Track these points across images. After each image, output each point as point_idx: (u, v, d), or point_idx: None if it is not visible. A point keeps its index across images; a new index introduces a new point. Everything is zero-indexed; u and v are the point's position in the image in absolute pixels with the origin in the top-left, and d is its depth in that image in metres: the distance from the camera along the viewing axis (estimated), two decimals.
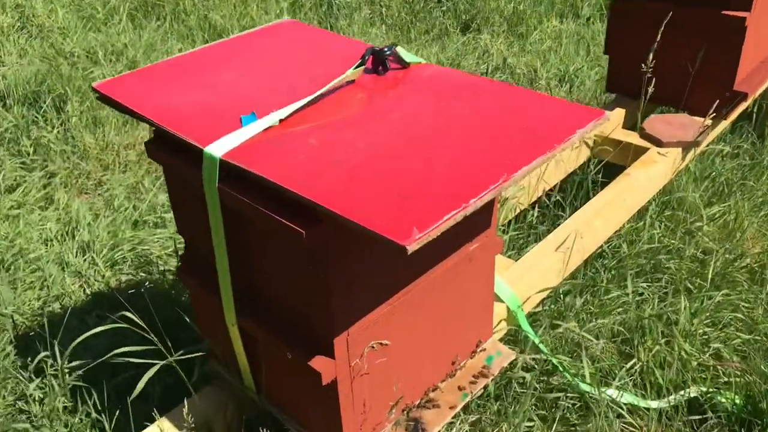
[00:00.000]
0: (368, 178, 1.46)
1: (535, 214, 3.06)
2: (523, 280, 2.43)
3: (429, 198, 1.40)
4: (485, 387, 2.19)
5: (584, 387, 2.35)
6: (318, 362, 1.67)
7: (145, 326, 2.05)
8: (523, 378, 2.38)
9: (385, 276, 1.70)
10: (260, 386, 2.01)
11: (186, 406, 2.01)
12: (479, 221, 1.91)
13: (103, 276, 3.21)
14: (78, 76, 4.58)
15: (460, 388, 2.07)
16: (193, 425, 1.87)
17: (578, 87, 4.61)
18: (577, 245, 2.56)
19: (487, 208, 1.91)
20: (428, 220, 1.32)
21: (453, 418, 2.10)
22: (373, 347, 1.76)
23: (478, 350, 2.15)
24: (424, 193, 1.41)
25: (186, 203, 1.87)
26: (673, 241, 3.06)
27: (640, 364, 2.60)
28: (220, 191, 1.60)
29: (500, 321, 2.32)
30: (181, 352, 2.01)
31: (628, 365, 2.59)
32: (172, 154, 1.71)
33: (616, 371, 2.50)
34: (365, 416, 1.84)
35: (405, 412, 1.96)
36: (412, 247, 1.27)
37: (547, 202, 3.16)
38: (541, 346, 2.40)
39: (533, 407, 2.37)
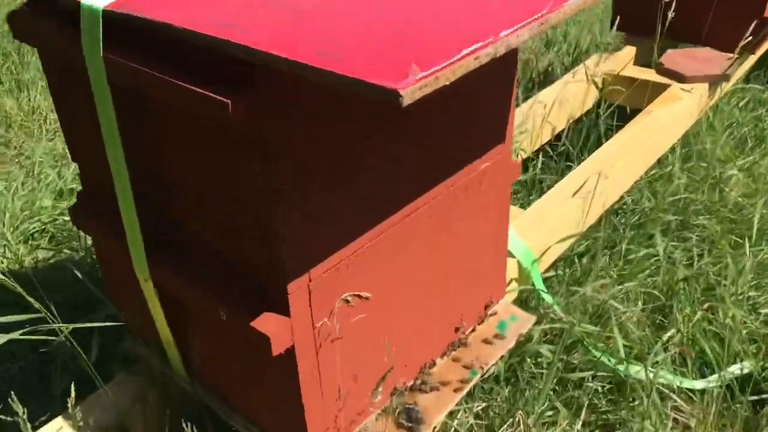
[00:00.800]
0: (329, 20, 0.93)
1: (539, 165, 2.54)
2: (534, 231, 1.90)
3: (434, 34, 0.86)
4: (498, 362, 1.65)
5: (614, 365, 1.84)
6: (266, 322, 1.12)
7: (42, 306, 1.47)
8: (539, 353, 1.85)
9: (364, 192, 1.16)
10: (192, 369, 1.45)
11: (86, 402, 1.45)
12: (491, 129, 1.38)
13: (16, 254, 2.63)
14: None
15: (466, 366, 1.53)
16: (91, 425, 1.31)
17: None
18: (599, 188, 2.05)
19: (501, 112, 1.38)
20: (435, 57, 0.79)
21: (457, 404, 1.56)
22: (347, 301, 1.22)
23: (488, 314, 1.61)
24: (425, 29, 0.88)
25: (73, 107, 1.30)
26: (700, 197, 2.56)
27: (679, 335, 2.08)
28: (107, 63, 1.04)
29: (510, 281, 1.79)
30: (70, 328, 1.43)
31: (665, 337, 2.06)
32: (49, 28, 1.15)
33: (650, 345, 1.98)
34: (340, 403, 1.29)
35: (393, 395, 1.42)
36: (408, 93, 0.74)
37: (551, 153, 2.65)
38: (559, 309, 1.88)
39: (552, 392, 1.84)
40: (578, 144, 2.61)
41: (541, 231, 1.92)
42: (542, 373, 1.84)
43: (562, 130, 2.57)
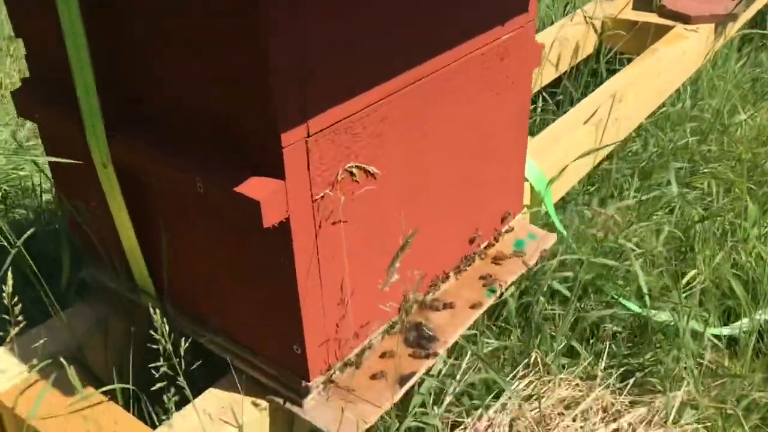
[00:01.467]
0: None
1: (540, 104, 2.36)
2: (546, 156, 1.70)
3: None
4: (517, 283, 1.44)
5: (632, 307, 1.65)
6: (254, 186, 0.90)
7: None
8: (554, 291, 1.64)
9: (371, 33, 0.95)
10: (161, 285, 1.21)
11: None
12: None
13: None
14: None
15: (483, 282, 1.32)
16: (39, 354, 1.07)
17: None
18: (612, 114, 1.86)
19: None
20: None
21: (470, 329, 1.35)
22: (352, 174, 1.00)
23: (505, 229, 1.40)
24: None
25: None
26: (708, 145, 2.40)
27: (701, 277, 1.89)
28: None
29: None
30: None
31: (684, 280, 1.87)
32: None
33: (670, 287, 1.79)
34: (343, 309, 1.07)
35: (402, 309, 1.20)
36: None
37: (550, 100, 2.47)
38: (572, 241, 1.68)
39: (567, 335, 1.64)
40: (580, 88, 2.43)
41: (552, 156, 1.73)
42: (556, 314, 1.63)
43: (564, 73, 2.39)
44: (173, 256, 1.15)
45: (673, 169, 2.15)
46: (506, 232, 1.42)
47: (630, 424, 1.44)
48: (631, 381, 1.54)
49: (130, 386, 1.15)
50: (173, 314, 1.23)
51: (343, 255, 1.03)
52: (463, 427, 1.45)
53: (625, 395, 1.51)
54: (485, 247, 1.36)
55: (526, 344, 1.59)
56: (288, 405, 1.10)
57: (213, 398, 1.12)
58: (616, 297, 1.67)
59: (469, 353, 1.51)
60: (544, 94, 2.43)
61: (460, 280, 1.32)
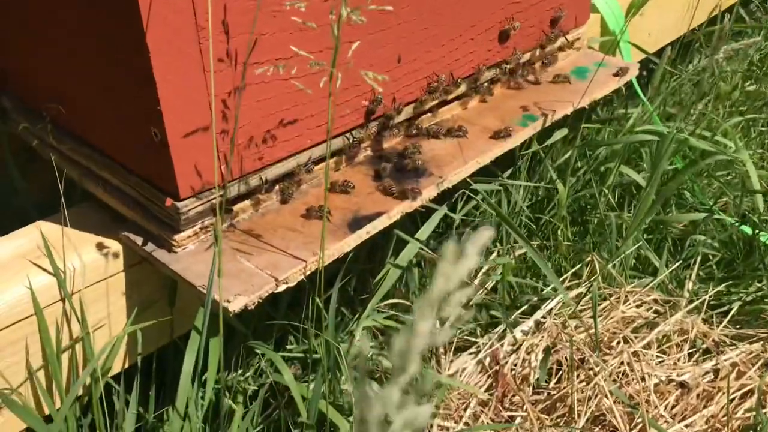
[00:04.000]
0: None
1: None
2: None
3: None
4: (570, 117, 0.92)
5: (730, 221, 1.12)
6: None
7: None
8: (620, 174, 1.13)
9: None
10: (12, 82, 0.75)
11: None
12: None
13: None
14: None
15: (517, 104, 0.82)
16: None
17: None
18: None
19: None
20: None
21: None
22: None
23: (557, 39, 0.89)
24: None
25: None
26: None
27: None
28: None
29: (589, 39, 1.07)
30: None
31: None
32: None
33: None
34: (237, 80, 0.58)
35: (369, 117, 0.71)
36: None
37: None
38: (650, 107, 1.16)
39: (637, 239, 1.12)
40: None
41: None
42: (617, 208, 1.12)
43: None
44: (2, 23, 0.69)
45: None
46: (561, 48, 0.90)
47: (735, 364, 0.92)
48: (735, 308, 1.02)
49: None
50: (13, 113, 0.77)
51: None
52: (472, 350, 0.96)
53: (724, 326, 0.99)
54: (527, 54, 0.85)
55: (580, 246, 1.09)
56: (149, 247, 0.62)
57: (32, 233, 0.65)
58: (707, 204, 1.15)
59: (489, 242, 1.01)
60: None
61: (479, 101, 0.82)
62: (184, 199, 0.60)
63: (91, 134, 0.67)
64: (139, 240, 0.63)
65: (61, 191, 0.64)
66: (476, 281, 1.01)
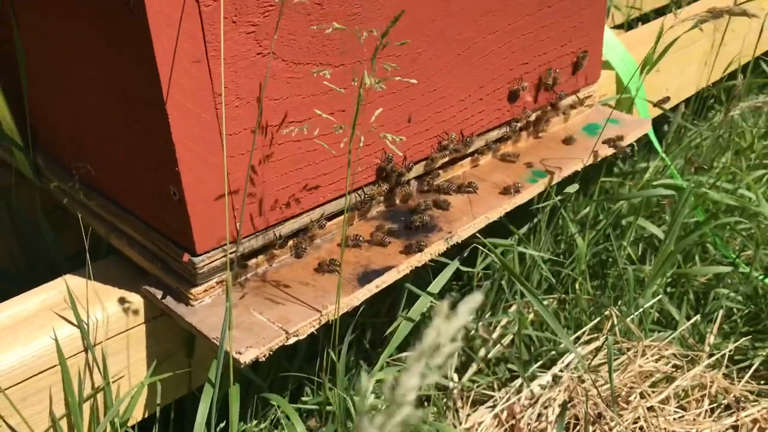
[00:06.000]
0: None
1: None
2: (639, 50, 1.20)
3: None
4: (581, 173, 0.93)
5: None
6: None
7: None
8: (639, 228, 1.14)
9: None
10: (32, 128, 0.80)
11: None
12: None
13: None
14: None
15: (525, 162, 0.84)
16: None
17: None
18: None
19: None
20: None
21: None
22: None
23: (564, 95, 0.92)
24: None
25: None
26: None
27: None
28: None
29: (602, 97, 1.09)
30: None
31: None
32: None
33: None
34: (267, 145, 0.62)
35: (382, 176, 0.74)
36: None
37: None
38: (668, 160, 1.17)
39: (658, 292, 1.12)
40: None
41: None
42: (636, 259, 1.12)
43: None
44: (35, 84, 0.74)
45: None
46: (573, 106, 0.93)
47: (756, 421, 0.91)
48: (757, 362, 1.01)
49: None
50: (46, 170, 0.82)
51: (254, 47, 0.59)
52: (489, 404, 0.96)
53: (746, 381, 0.98)
54: (536, 112, 0.88)
55: (598, 297, 1.09)
56: (168, 300, 0.65)
57: (59, 286, 0.69)
58: (731, 257, 1.14)
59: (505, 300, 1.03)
60: None
61: (489, 158, 0.84)
62: (201, 255, 0.63)
63: (116, 191, 0.71)
64: (158, 293, 0.66)
65: (86, 247, 0.68)
66: (494, 335, 1.03)
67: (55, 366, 0.64)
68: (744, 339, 1.04)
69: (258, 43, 0.60)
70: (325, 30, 0.61)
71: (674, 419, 0.90)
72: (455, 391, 0.97)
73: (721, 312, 1.08)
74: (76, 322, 0.64)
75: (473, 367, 1.01)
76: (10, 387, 0.61)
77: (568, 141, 0.89)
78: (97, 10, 0.58)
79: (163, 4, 0.53)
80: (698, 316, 1.07)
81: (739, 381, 0.98)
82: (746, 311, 1.11)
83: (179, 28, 0.54)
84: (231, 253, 0.63)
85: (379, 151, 0.73)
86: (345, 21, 0.64)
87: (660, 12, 1.83)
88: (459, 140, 0.79)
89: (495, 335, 1.02)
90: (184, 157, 0.58)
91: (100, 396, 0.67)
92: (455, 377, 1.00)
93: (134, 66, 0.57)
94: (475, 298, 0.31)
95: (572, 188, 0.88)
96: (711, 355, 1.00)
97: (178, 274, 0.65)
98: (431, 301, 0.75)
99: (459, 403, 0.98)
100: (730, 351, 1.00)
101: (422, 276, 0.88)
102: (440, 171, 0.81)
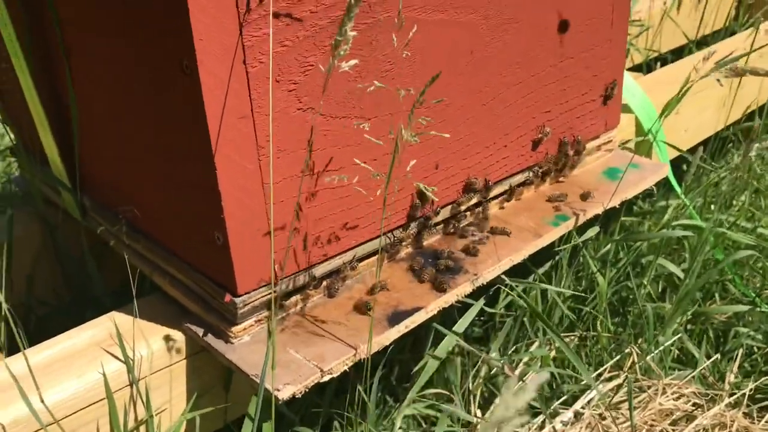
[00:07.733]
0: None
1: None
2: (657, 93, 1.24)
3: None
4: (600, 216, 0.97)
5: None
6: None
7: None
8: (659, 267, 1.16)
9: None
10: (81, 171, 0.85)
11: None
12: None
13: None
14: None
15: (551, 202, 0.88)
16: None
17: None
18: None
19: None
20: None
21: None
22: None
23: (584, 140, 0.95)
24: None
25: None
26: None
27: None
28: None
29: (622, 143, 1.13)
30: None
31: None
32: None
33: None
34: (314, 192, 0.66)
35: (412, 218, 0.78)
36: None
37: None
38: (689, 202, 1.20)
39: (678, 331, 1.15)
40: None
41: (665, 93, 1.26)
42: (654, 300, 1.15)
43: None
44: (86, 130, 0.79)
45: None
46: (592, 148, 0.96)
47: None
48: None
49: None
50: (92, 211, 0.86)
51: (294, 102, 0.63)
52: None
53: (766, 421, 1.00)
54: (555, 159, 0.92)
55: (618, 335, 1.11)
56: (208, 338, 0.69)
57: (106, 323, 0.73)
58: (750, 295, 1.17)
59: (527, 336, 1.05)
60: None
61: (512, 203, 0.88)
62: (242, 295, 0.67)
63: (161, 234, 0.75)
64: (200, 331, 0.70)
65: (133, 289, 0.72)
66: (516, 372, 1.05)
67: (102, 399, 0.67)
68: (764, 378, 1.05)
69: (299, 100, 0.64)
70: (367, 89, 0.66)
71: None
72: (479, 427, 1.00)
73: (741, 350, 1.09)
74: (122, 358, 0.68)
75: (496, 403, 1.03)
76: (64, 418, 0.65)
77: (586, 193, 0.92)
78: (151, 67, 0.63)
79: (213, 66, 0.58)
80: (718, 355, 1.09)
81: (759, 420, 0.99)
82: (766, 350, 1.13)
83: (228, 87, 0.59)
84: (273, 293, 0.67)
85: (409, 196, 0.77)
86: (378, 77, 0.69)
87: (676, 52, 1.87)
88: (484, 185, 0.83)
89: (517, 372, 1.05)
90: (229, 205, 0.63)
91: (143, 428, 0.71)
92: (478, 413, 1.02)
93: (185, 121, 0.61)
94: (542, 376, 0.35)
95: (592, 231, 0.91)
96: (731, 394, 1.02)
97: (218, 313, 0.69)
98: (456, 340, 0.78)
99: None
100: (750, 390, 1.02)
101: (445, 310, 0.91)
102: (466, 213, 0.85)
